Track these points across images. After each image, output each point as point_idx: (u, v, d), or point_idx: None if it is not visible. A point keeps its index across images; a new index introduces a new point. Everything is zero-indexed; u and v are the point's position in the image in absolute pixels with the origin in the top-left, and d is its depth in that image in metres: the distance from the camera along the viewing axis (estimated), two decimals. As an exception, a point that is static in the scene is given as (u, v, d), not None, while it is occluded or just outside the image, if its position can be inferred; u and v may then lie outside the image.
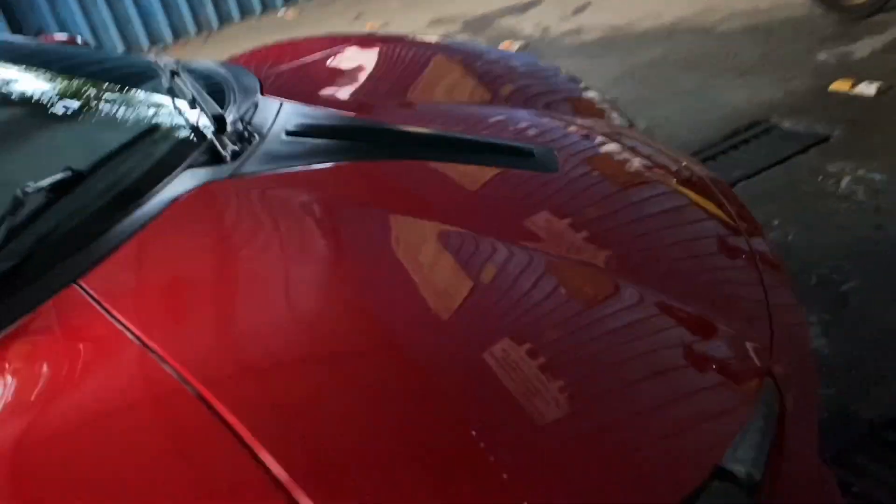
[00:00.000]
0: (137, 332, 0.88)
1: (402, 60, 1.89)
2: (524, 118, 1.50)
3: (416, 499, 0.69)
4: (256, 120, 1.37)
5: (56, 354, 0.92)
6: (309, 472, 0.72)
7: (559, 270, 1.01)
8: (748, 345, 0.97)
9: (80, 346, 0.92)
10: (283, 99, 1.46)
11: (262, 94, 1.50)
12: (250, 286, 1.00)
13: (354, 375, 0.82)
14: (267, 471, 0.70)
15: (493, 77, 1.76)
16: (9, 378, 0.91)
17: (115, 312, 0.92)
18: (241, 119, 1.37)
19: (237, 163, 1.24)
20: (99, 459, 0.75)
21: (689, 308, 0.99)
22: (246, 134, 1.30)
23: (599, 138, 1.46)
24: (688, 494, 0.75)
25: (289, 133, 1.32)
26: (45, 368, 0.91)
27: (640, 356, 0.90)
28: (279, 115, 1.39)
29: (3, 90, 1.55)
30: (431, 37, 2.01)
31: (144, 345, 0.85)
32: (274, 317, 0.92)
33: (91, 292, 0.97)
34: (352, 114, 1.47)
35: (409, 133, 1.36)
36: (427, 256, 1.05)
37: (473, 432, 0.72)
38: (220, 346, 0.90)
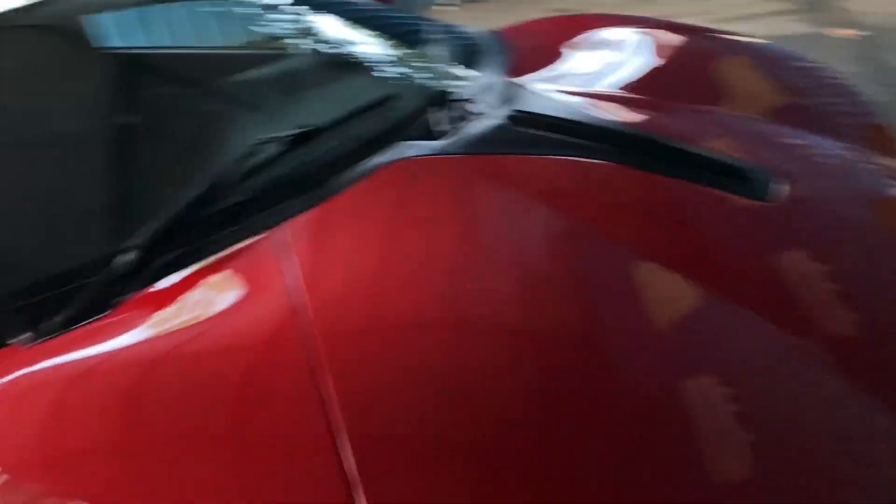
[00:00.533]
0: (303, 286, 0.93)
1: (681, 53, 1.73)
2: (819, 145, 1.31)
3: None
4: (492, 99, 1.36)
5: (233, 286, 1.01)
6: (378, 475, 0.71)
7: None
8: None
9: (252, 284, 1.01)
10: (527, 81, 1.43)
11: (507, 71, 1.49)
12: (421, 271, 1.00)
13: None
14: (339, 462, 0.71)
15: (786, 88, 1.55)
16: (193, 297, 1.02)
17: (293, 262, 0.98)
18: (475, 96, 1.38)
19: (452, 140, 1.25)
20: (198, 390, 0.81)
21: None
22: (472, 112, 1.30)
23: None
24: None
25: (515, 119, 1.29)
26: (219, 296, 1.01)
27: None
28: (516, 99, 1.37)
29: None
30: (729, 32, 1.79)
31: (301, 300, 0.90)
32: (435, 315, 0.91)
33: (285, 238, 1.05)
34: (612, 105, 1.37)
35: (625, 134, 1.25)
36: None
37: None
38: (364, 329, 0.91)
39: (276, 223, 1.09)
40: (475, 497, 0.70)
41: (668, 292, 0.95)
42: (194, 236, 1.07)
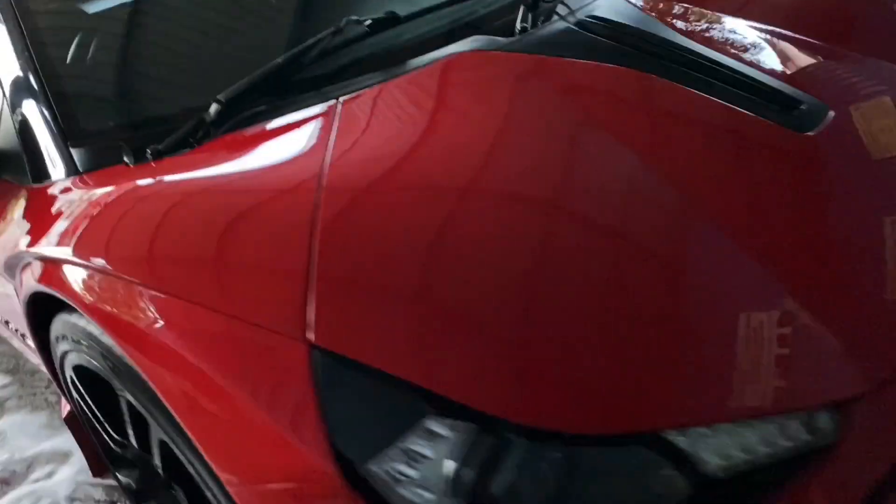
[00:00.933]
0: (332, 153, 1.10)
1: None
2: None
3: None
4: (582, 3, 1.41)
5: (292, 143, 1.19)
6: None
7: None
8: None
9: (305, 143, 1.18)
10: None
11: None
12: (436, 147, 1.11)
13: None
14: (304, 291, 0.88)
15: None
16: (263, 147, 1.22)
17: (336, 135, 1.15)
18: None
19: (521, 39, 1.34)
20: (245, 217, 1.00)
21: None
22: (556, 13, 1.37)
23: None
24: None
25: (584, 25, 1.35)
26: (280, 149, 1.19)
27: None
28: (603, 6, 1.41)
29: None
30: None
31: (326, 161, 1.08)
32: (430, 182, 1.05)
33: (339, 112, 1.22)
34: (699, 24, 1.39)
35: (680, 52, 1.27)
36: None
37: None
38: (361, 189, 1.03)
39: (341, 95, 1.25)
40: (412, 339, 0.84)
41: (656, 199, 1.02)
42: (273, 97, 1.27)
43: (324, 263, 0.88)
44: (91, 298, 1.07)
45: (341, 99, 1.24)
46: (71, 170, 1.26)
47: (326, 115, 1.20)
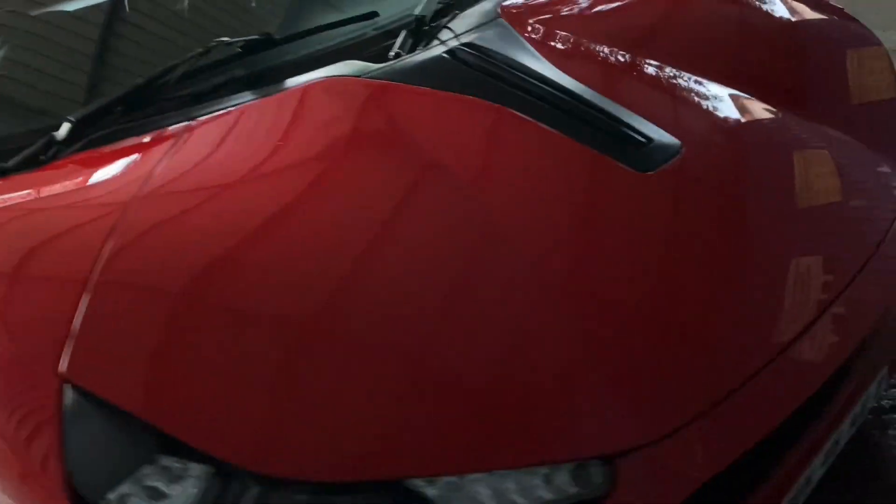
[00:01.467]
0: (153, 181, 1.10)
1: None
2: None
3: None
4: (466, 31, 1.40)
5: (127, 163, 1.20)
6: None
7: None
8: None
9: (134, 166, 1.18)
10: (503, 25, 1.44)
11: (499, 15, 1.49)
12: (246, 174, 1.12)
13: None
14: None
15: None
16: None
17: (167, 160, 1.15)
18: (456, 26, 1.43)
19: (389, 65, 1.33)
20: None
21: None
22: (436, 40, 1.36)
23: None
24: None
25: (454, 54, 1.34)
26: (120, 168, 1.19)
27: None
28: (486, 36, 1.40)
29: None
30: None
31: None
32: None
33: (184, 135, 1.22)
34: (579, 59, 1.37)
35: (542, 89, 1.25)
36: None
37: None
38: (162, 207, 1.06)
39: (201, 115, 1.26)
40: None
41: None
42: (136, 116, 1.28)
43: (94, 300, 0.89)
44: None
45: (194, 121, 1.24)
46: None
47: (170, 138, 1.21)
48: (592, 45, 1.44)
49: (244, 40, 1.39)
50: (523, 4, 1.57)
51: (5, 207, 1.12)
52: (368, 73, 1.31)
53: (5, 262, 0.99)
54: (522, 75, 1.28)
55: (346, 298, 0.92)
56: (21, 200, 1.14)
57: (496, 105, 1.21)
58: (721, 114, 1.30)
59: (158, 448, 0.79)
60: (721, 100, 1.32)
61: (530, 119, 1.19)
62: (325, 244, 0.98)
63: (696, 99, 1.34)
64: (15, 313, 0.93)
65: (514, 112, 1.20)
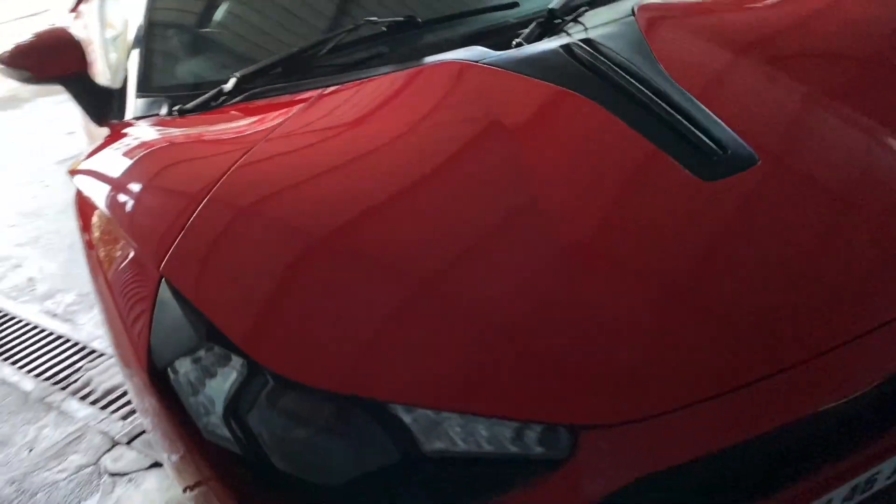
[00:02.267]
0: (275, 133, 1.34)
1: None
2: None
3: None
4: (594, 25, 1.49)
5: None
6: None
7: None
8: None
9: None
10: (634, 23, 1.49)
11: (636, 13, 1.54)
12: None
13: None
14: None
15: None
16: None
17: (291, 118, 1.38)
18: (587, 19, 1.52)
19: (507, 54, 1.45)
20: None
21: None
22: (558, 32, 1.47)
23: None
24: None
25: (568, 49, 1.42)
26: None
27: None
28: (609, 33, 1.47)
29: None
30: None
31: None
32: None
33: (313, 100, 1.44)
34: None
35: (638, 91, 1.29)
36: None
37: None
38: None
39: (334, 85, 1.47)
40: None
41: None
42: (288, 79, 1.53)
43: (199, 215, 1.13)
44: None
45: (329, 87, 1.46)
46: (132, 113, 1.62)
47: (307, 99, 1.43)
48: (712, 51, 1.44)
49: (390, 21, 1.58)
50: (661, 6, 1.60)
51: (167, 136, 1.43)
52: (485, 59, 1.44)
53: (146, 177, 1.28)
54: (623, 73, 1.33)
55: (373, 225, 1.10)
56: (182, 133, 1.43)
57: (583, 98, 1.29)
58: (827, 139, 1.26)
59: (215, 340, 1.01)
60: (834, 125, 1.28)
61: (610, 114, 1.25)
62: (382, 179, 1.19)
63: (806, 120, 1.30)
64: (144, 218, 1.21)
65: (598, 106, 1.27)
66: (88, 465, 1.88)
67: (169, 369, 1.04)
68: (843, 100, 1.30)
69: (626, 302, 1.01)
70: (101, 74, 1.88)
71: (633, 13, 1.53)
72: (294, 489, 0.98)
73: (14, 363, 2.35)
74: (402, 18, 1.60)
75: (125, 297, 1.13)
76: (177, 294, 1.06)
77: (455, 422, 0.96)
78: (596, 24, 1.53)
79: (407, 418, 0.95)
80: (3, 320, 2.65)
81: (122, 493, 1.77)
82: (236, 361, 1.00)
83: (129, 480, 1.80)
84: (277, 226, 1.12)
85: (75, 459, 1.90)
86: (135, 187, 1.30)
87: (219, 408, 1.00)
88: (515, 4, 1.64)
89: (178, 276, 1.07)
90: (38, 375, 2.27)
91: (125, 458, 1.87)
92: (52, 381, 2.24)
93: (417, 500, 0.97)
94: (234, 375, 1.00)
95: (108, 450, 1.90)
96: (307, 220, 1.11)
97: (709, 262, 1.07)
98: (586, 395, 0.95)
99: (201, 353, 1.02)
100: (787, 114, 1.31)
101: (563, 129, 1.27)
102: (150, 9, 1.77)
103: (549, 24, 1.54)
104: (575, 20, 1.55)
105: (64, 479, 1.85)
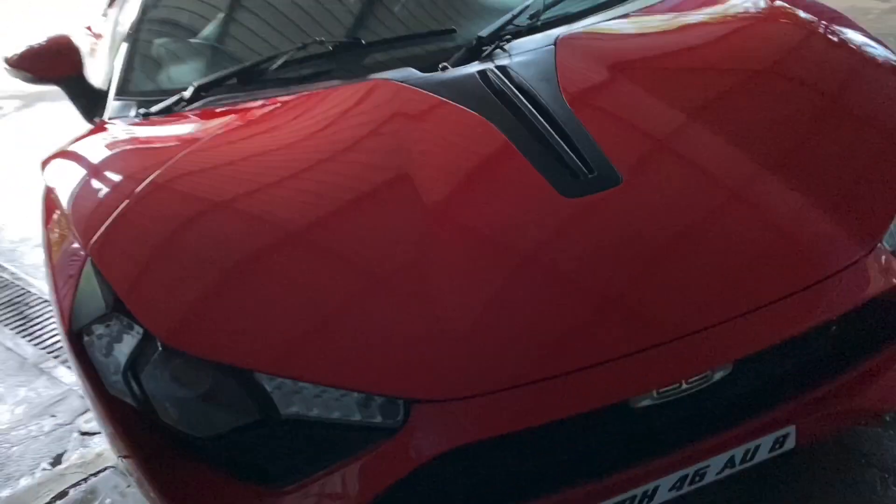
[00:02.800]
0: (215, 136, 1.55)
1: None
2: None
3: None
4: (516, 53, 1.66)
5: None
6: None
7: None
8: None
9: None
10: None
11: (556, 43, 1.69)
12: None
13: None
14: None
15: None
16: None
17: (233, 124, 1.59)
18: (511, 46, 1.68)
19: (429, 77, 1.62)
20: None
21: None
22: (471, 58, 1.64)
23: None
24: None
25: (482, 74, 1.58)
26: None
27: None
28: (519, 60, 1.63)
29: None
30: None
31: None
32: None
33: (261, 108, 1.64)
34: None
35: (528, 112, 1.46)
36: None
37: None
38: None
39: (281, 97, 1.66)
40: None
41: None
42: (243, 89, 1.73)
43: (124, 210, 1.33)
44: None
45: (269, 98, 1.65)
46: (108, 114, 1.83)
47: (251, 109, 1.63)
48: (611, 82, 1.59)
49: (336, 41, 1.76)
50: (583, 36, 1.75)
51: (124, 137, 1.64)
52: (410, 79, 1.61)
53: (92, 171, 1.49)
54: (523, 98, 1.49)
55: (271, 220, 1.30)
56: (137, 134, 1.64)
57: (481, 118, 1.45)
58: (689, 166, 1.38)
59: (121, 311, 1.21)
60: (699, 154, 1.40)
61: (500, 133, 1.41)
62: (283, 167, 1.45)
63: (675, 148, 1.43)
64: (83, 206, 1.41)
65: (491, 125, 1.43)
66: (65, 425, 2.10)
67: (84, 332, 1.24)
68: (715, 132, 1.43)
69: (463, 296, 1.17)
70: (97, 78, 2.11)
71: (553, 42, 1.69)
72: (176, 440, 1.16)
73: (21, 331, 2.61)
74: (348, 39, 1.78)
75: (62, 274, 1.34)
76: (96, 270, 1.26)
77: (310, 391, 1.13)
78: (520, 52, 1.68)
79: (269, 386, 1.13)
80: (20, 293, 2.91)
81: (87, 450, 1.99)
82: (137, 330, 1.19)
83: (100, 439, 2.01)
84: (179, 220, 1.31)
85: (55, 419, 2.13)
86: (82, 180, 1.50)
87: (121, 368, 1.19)
88: (452, 31, 1.81)
89: (100, 256, 1.27)
90: (37, 344, 2.52)
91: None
92: (49, 349, 2.48)
93: (275, 455, 1.14)
94: (133, 342, 1.19)
95: (84, 412, 2.12)
96: (202, 215, 1.32)
97: (544, 264, 1.22)
98: (421, 373, 1.11)
99: (111, 321, 1.21)
100: (660, 141, 1.44)
101: (456, 143, 1.44)
102: (137, 18, 2.00)
103: (477, 50, 1.70)
104: (500, 48, 1.70)
105: (42, 435, 2.07)
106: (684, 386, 1.16)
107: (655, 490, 1.20)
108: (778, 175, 1.35)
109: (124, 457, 1.26)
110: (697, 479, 1.23)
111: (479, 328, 1.14)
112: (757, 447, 1.25)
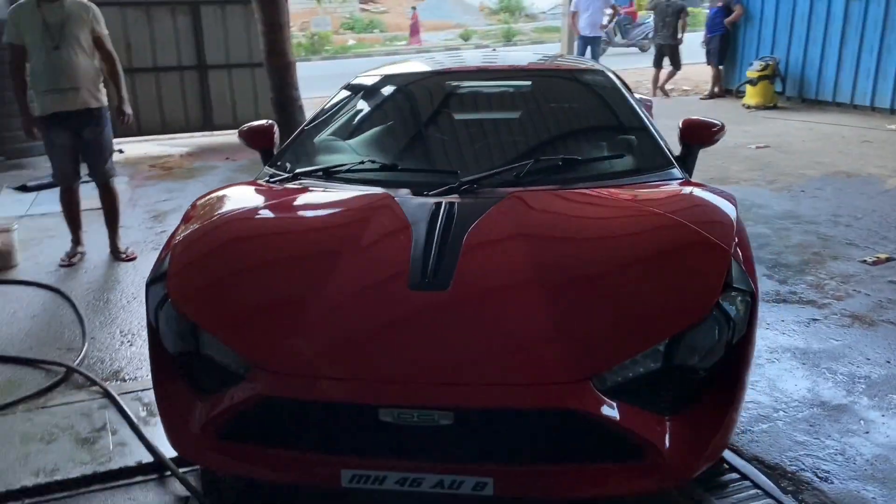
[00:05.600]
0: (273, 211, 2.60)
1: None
2: None
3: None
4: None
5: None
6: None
7: None
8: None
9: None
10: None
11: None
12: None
13: None
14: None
15: None
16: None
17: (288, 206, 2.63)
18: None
19: (409, 197, 2.51)
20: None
21: None
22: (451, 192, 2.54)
23: None
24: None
25: (438, 204, 2.41)
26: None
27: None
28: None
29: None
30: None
31: None
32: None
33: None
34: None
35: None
36: None
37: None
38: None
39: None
40: None
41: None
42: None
43: (177, 244, 2.40)
44: None
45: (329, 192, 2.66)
46: (258, 176, 2.98)
47: (305, 192, 2.66)
48: (508, 237, 2.28)
49: (382, 163, 2.72)
50: (527, 194, 2.48)
51: (244, 191, 2.76)
52: (400, 196, 2.49)
53: (215, 201, 2.63)
54: (443, 227, 2.27)
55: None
56: (251, 191, 2.77)
57: (409, 229, 2.28)
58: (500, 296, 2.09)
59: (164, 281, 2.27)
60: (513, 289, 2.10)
61: (410, 242, 2.21)
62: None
63: (505, 290, 2.11)
64: (191, 218, 2.53)
65: (410, 237, 2.24)
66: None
67: (150, 285, 2.31)
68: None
69: (329, 325, 2.02)
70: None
71: (507, 196, 2.45)
72: (165, 355, 2.17)
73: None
74: (389, 163, 2.73)
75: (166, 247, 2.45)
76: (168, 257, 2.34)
77: (216, 342, 2.05)
78: (479, 195, 2.47)
79: (201, 333, 2.07)
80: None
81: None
82: (164, 291, 2.22)
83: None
84: (212, 244, 2.37)
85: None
86: (202, 205, 2.65)
87: (154, 316, 2.23)
88: (455, 172, 2.65)
89: (172, 249, 2.35)
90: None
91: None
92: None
93: (199, 374, 2.09)
94: (160, 296, 2.22)
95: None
96: (225, 245, 2.35)
97: (376, 319, 2.02)
98: (271, 354, 1.97)
99: (158, 284, 2.27)
100: (495, 282, 2.12)
101: (383, 241, 2.28)
102: (313, 115, 3.20)
103: (457, 188, 2.53)
104: (467, 190, 2.52)
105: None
106: (416, 418, 1.86)
107: (384, 478, 1.90)
108: (545, 315, 1.97)
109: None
110: (415, 484, 1.90)
111: (324, 339, 1.98)
112: (462, 482, 1.87)
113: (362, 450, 1.93)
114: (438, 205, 2.40)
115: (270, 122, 3.38)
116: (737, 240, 2.21)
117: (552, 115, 3.37)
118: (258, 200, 2.68)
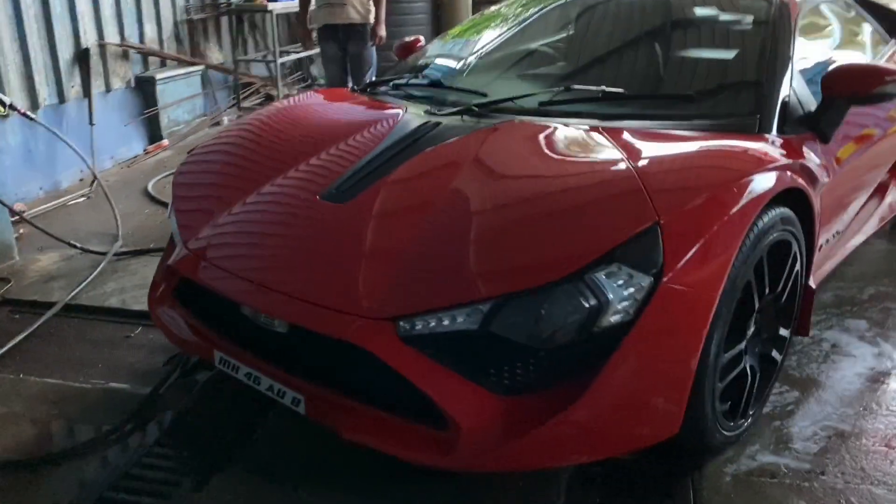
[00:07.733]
0: None
1: None
2: None
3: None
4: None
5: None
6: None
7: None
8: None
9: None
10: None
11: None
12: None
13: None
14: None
15: None
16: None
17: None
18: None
19: (423, 114, 2.43)
20: None
21: None
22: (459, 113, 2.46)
23: None
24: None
25: (435, 124, 2.29)
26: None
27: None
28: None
29: None
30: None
31: None
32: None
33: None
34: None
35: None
36: None
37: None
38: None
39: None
40: None
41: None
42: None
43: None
44: None
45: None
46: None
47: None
48: (455, 163, 2.15)
49: (429, 80, 2.65)
50: (521, 125, 2.27)
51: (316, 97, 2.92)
52: (407, 114, 2.48)
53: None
54: (410, 141, 2.22)
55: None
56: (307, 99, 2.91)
57: (374, 144, 2.28)
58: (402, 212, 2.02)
59: None
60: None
61: (361, 151, 2.24)
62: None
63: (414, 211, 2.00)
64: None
65: (377, 143, 2.27)
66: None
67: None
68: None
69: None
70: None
71: (495, 128, 2.27)
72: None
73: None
74: (437, 80, 2.65)
75: None
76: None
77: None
78: (485, 118, 2.31)
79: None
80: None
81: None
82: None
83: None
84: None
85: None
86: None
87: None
88: (484, 94, 2.44)
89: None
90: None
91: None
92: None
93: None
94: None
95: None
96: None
97: (288, 224, 2.08)
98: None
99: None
100: (408, 202, 1.99)
101: (343, 151, 2.27)
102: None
103: (465, 110, 2.43)
104: (466, 113, 2.45)
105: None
106: (262, 319, 1.88)
107: (238, 368, 1.99)
108: (413, 247, 1.84)
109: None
110: (256, 381, 1.94)
111: (225, 231, 2.14)
112: (284, 392, 1.86)
113: (230, 337, 2.03)
114: (426, 124, 2.26)
115: (417, 37, 3.43)
116: (716, 227, 1.73)
117: (678, 43, 2.79)
118: (299, 105, 2.92)
